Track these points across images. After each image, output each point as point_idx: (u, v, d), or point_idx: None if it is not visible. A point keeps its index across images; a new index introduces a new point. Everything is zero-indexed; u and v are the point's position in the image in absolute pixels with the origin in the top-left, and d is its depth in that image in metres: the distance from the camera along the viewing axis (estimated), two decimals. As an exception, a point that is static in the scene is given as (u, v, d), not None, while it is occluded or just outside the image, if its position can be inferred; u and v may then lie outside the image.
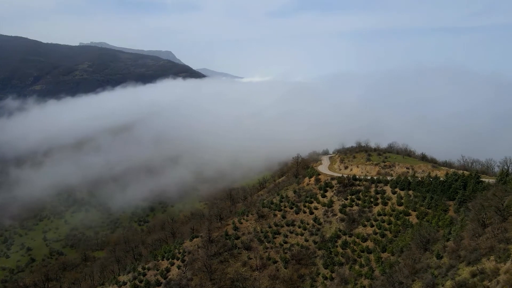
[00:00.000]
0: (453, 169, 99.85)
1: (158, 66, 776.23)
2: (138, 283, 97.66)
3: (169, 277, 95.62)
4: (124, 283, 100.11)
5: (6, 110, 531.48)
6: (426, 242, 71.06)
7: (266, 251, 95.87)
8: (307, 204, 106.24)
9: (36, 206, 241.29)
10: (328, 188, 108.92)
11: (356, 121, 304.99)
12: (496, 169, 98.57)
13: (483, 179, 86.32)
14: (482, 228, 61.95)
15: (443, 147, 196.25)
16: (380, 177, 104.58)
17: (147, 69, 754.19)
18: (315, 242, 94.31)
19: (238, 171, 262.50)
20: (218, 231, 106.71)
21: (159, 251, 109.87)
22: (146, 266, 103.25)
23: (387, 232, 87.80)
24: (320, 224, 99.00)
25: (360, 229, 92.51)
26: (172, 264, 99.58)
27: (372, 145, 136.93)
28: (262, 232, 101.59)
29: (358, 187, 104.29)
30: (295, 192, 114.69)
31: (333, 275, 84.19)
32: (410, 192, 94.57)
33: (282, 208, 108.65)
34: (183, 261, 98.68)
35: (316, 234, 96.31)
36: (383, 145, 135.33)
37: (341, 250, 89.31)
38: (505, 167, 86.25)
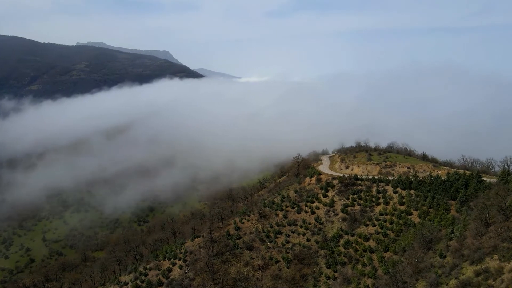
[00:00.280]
0: (454, 169, 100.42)
1: (155, 66, 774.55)
2: (140, 283, 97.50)
3: (171, 277, 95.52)
4: (126, 284, 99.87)
5: (2, 110, 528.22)
6: (429, 242, 71.35)
7: (268, 251, 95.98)
8: (308, 203, 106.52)
9: (35, 207, 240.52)
10: (329, 188, 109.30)
11: (354, 121, 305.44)
12: (497, 169, 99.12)
13: (484, 179, 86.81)
14: (485, 227, 62.27)
15: (442, 146, 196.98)
16: (382, 176, 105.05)
17: (145, 69, 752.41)
18: (317, 242, 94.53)
19: (236, 171, 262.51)
20: (220, 231, 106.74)
21: (161, 251, 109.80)
22: (148, 266, 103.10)
23: (389, 232, 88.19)
24: (322, 223, 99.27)
25: (362, 229, 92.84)
26: (174, 264, 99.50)
27: (372, 145, 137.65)
28: (264, 232, 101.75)
29: (360, 187, 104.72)
30: (296, 192, 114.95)
31: (336, 274, 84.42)
32: (412, 191, 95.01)
33: (284, 208, 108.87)
34: (185, 261, 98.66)
35: (318, 234, 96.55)
36: (382, 145, 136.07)
37: (343, 250, 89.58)
38: (506, 166, 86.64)
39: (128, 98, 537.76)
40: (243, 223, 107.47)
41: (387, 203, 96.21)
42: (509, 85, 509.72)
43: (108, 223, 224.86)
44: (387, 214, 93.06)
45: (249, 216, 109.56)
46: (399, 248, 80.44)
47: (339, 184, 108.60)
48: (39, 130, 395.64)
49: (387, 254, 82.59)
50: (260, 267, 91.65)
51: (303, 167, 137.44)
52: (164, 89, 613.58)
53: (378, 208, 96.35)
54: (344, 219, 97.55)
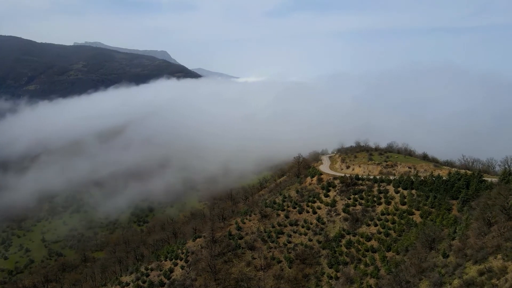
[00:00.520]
0: (455, 169, 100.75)
1: (153, 66, 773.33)
2: (142, 284, 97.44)
3: (173, 277, 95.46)
4: (127, 284, 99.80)
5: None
6: (432, 241, 71.67)
7: (270, 251, 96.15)
8: (310, 203, 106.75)
9: (33, 208, 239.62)
10: (330, 188, 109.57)
11: (353, 121, 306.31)
12: (497, 168, 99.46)
13: (486, 178, 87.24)
14: (487, 227, 62.56)
15: (442, 146, 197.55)
16: (383, 176, 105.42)
17: (143, 69, 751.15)
18: (319, 242, 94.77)
19: (235, 172, 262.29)
20: (221, 231, 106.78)
21: (162, 252, 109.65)
22: (149, 267, 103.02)
23: (391, 232, 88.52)
24: (323, 223, 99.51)
25: (364, 229, 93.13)
26: (176, 264, 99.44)
27: (371, 144, 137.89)
28: (265, 232, 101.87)
29: (361, 187, 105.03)
30: (297, 191, 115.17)
31: (338, 274, 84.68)
32: (413, 191, 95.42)
33: (285, 207, 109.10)
34: (186, 261, 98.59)
35: (320, 234, 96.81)
36: (382, 145, 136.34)
37: (345, 250, 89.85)
38: (507, 166, 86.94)
39: (127, 98, 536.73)
40: (244, 223, 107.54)
41: (388, 203, 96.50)
42: (509, 85, 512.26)
43: (107, 224, 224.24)
44: (388, 214, 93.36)
45: (250, 216, 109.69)
46: (401, 248, 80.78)
47: (340, 184, 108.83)
48: (35, 131, 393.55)
49: (389, 254, 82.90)
50: (262, 267, 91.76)
51: (303, 167, 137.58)
52: (162, 89, 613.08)
53: (379, 208, 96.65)
54: (345, 219, 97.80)
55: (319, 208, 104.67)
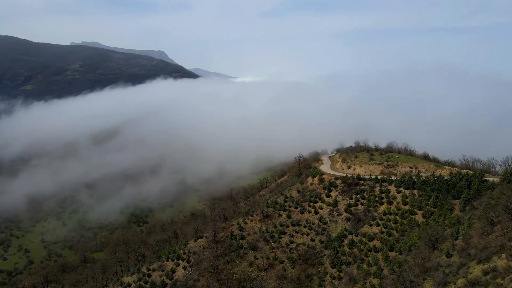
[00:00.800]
0: (456, 168, 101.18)
1: (151, 66, 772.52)
2: (144, 284, 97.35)
3: (175, 278, 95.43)
4: (129, 285, 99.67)
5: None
6: (435, 241, 71.93)
7: (272, 251, 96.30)
8: (311, 203, 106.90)
9: (33, 208, 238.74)
10: (332, 188, 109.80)
11: (352, 121, 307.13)
12: (498, 168, 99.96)
13: (487, 178, 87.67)
14: (490, 226, 62.83)
15: (442, 146, 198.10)
16: (384, 176, 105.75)
17: (140, 69, 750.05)
18: (321, 242, 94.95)
19: (232, 172, 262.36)
20: (223, 231, 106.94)
21: (163, 252, 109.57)
22: (151, 267, 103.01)
23: (394, 231, 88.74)
24: (325, 223, 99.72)
25: (366, 228, 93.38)
26: (178, 265, 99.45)
27: (371, 144, 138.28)
28: (267, 232, 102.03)
29: (363, 187, 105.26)
30: (299, 192, 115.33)
31: (341, 274, 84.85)
32: (415, 191, 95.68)
33: (287, 208, 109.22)
34: (188, 261, 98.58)
35: (322, 234, 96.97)
36: (381, 144, 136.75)
37: (348, 250, 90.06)
38: (508, 166, 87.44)
39: (122, 99, 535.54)
40: (246, 223, 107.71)
41: (390, 203, 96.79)
42: (509, 85, 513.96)
43: (107, 224, 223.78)
44: (391, 214, 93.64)
45: (252, 216, 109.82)
46: (404, 248, 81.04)
47: (342, 184, 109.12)
48: (30, 133, 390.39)
49: (392, 254, 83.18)
50: (265, 267, 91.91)
51: (304, 167, 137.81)
52: (160, 89, 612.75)
53: (381, 208, 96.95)
54: (347, 219, 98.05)
55: (321, 208, 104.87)
